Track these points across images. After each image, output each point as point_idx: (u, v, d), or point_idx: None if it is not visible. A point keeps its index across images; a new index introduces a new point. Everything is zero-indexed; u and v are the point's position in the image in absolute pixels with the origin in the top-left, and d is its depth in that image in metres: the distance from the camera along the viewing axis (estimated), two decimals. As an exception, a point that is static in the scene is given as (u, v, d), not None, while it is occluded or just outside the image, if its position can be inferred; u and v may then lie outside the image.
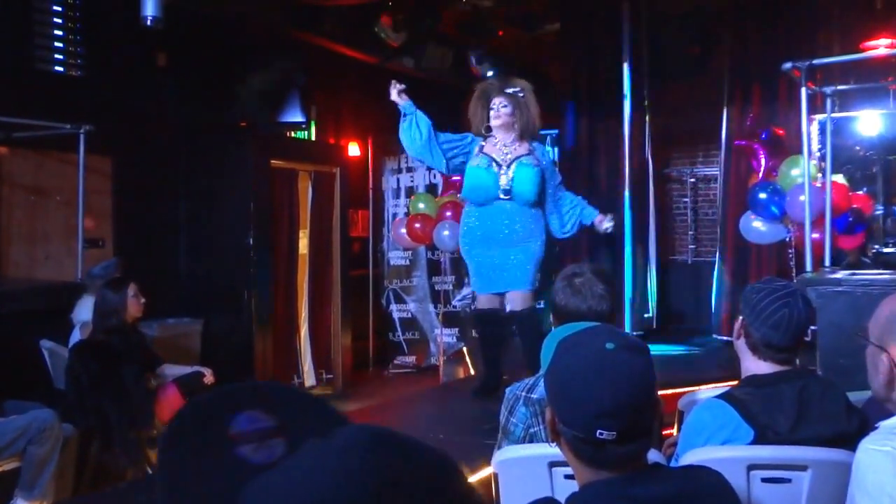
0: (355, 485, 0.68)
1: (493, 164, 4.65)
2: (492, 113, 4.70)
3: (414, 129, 4.67)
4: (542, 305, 5.25)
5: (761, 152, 6.32)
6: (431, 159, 4.78)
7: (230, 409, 0.80)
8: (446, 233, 6.37)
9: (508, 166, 4.63)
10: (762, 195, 5.78)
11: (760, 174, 6.17)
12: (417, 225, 6.66)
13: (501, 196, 4.63)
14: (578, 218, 4.80)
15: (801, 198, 4.72)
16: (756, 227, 5.97)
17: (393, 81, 4.68)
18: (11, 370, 4.56)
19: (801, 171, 5.22)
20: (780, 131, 6.34)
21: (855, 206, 5.62)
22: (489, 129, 4.73)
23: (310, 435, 0.74)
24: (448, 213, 6.53)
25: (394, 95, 4.67)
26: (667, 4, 7.79)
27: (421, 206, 6.89)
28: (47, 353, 4.81)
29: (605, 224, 4.73)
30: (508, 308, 4.79)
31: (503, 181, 4.62)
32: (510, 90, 4.72)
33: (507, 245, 4.65)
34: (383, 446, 0.73)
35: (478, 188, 4.68)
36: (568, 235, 4.90)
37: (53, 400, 4.32)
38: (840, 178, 5.70)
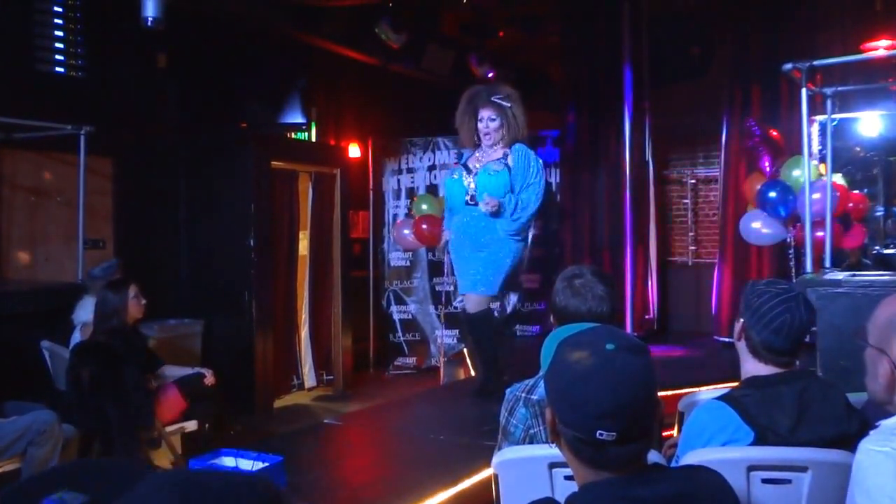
0: None
1: (465, 172, 4.85)
2: (480, 126, 4.78)
3: None
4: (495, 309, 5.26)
5: (765, 153, 6.30)
6: None
7: (36, 496, 0.82)
8: (452, 234, 6.38)
9: (476, 174, 4.74)
10: (772, 194, 5.74)
11: (769, 174, 6.12)
12: (424, 226, 6.67)
13: (468, 202, 4.80)
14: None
15: (816, 195, 4.72)
16: (756, 228, 5.96)
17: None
18: (12, 371, 4.56)
19: (802, 171, 5.22)
20: (775, 133, 6.33)
21: (850, 205, 5.62)
22: (478, 136, 4.85)
23: (120, 495, 0.76)
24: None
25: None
26: (667, 6, 7.79)
27: (424, 207, 6.89)
28: (48, 354, 4.81)
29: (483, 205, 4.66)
30: (465, 308, 4.89)
31: (470, 188, 4.79)
32: (497, 98, 4.76)
33: (476, 249, 4.80)
34: (184, 490, 0.74)
35: (448, 197, 4.99)
36: (511, 231, 4.75)
37: (54, 401, 4.31)
38: (839, 178, 5.69)
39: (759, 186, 5.89)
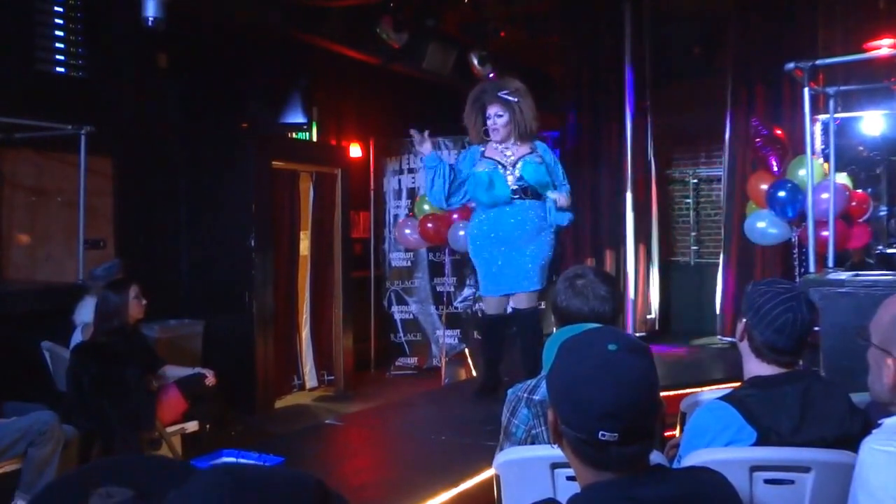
0: None
1: (499, 166, 4.71)
2: (489, 123, 4.73)
3: (439, 187, 4.74)
4: (542, 306, 5.27)
5: (772, 153, 6.26)
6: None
7: (81, 490, 0.82)
8: (462, 233, 6.32)
9: (514, 166, 4.67)
10: (781, 193, 5.70)
11: (777, 173, 6.08)
12: (430, 225, 6.65)
13: (512, 196, 4.68)
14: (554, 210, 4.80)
15: (824, 195, 4.69)
16: (761, 227, 5.93)
17: (414, 133, 4.69)
18: (12, 371, 4.55)
19: (805, 171, 5.20)
20: (779, 131, 6.31)
21: (853, 203, 5.60)
22: (487, 132, 4.77)
23: (169, 491, 0.76)
24: (455, 216, 6.52)
25: (421, 147, 4.69)
26: (669, 5, 7.78)
27: (426, 207, 6.88)
28: (48, 354, 4.81)
29: (559, 200, 4.71)
30: (511, 306, 4.82)
31: (510, 181, 4.67)
32: (504, 94, 4.71)
33: (517, 245, 4.70)
34: (239, 483, 0.75)
35: (488, 191, 4.67)
36: (565, 223, 4.86)
37: (54, 401, 4.31)
38: (843, 177, 5.67)
39: (768, 186, 5.83)
